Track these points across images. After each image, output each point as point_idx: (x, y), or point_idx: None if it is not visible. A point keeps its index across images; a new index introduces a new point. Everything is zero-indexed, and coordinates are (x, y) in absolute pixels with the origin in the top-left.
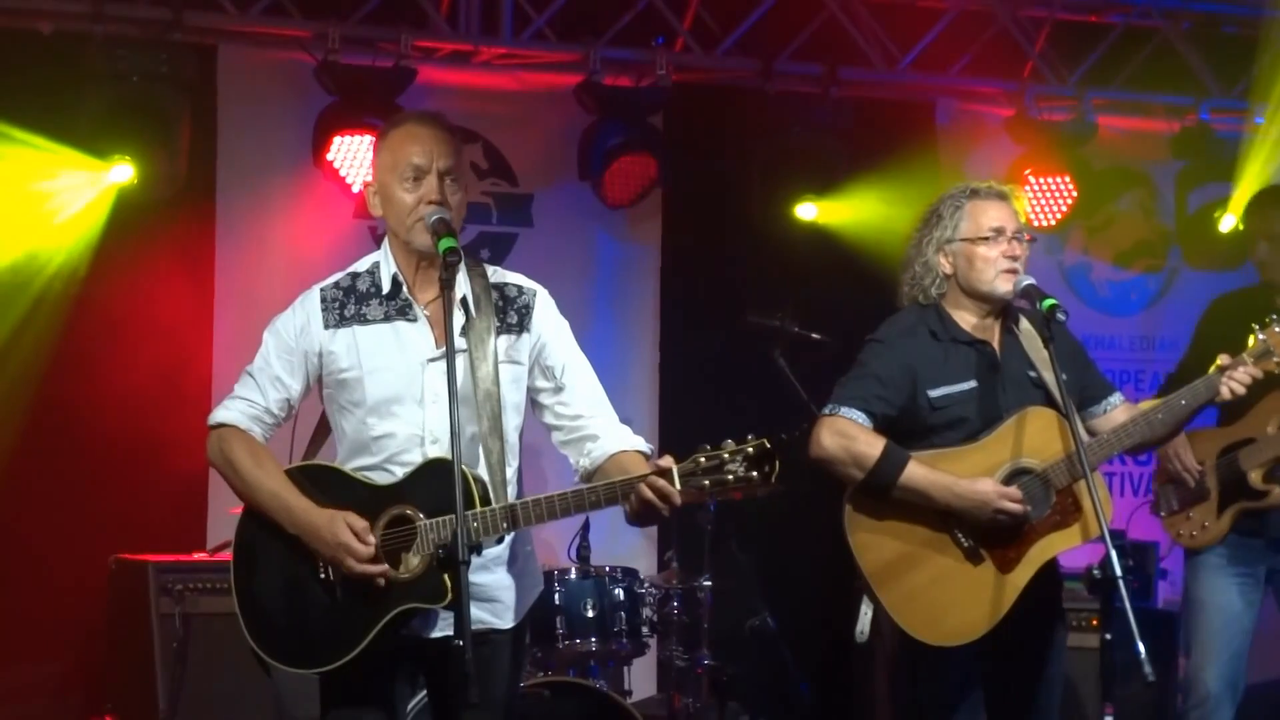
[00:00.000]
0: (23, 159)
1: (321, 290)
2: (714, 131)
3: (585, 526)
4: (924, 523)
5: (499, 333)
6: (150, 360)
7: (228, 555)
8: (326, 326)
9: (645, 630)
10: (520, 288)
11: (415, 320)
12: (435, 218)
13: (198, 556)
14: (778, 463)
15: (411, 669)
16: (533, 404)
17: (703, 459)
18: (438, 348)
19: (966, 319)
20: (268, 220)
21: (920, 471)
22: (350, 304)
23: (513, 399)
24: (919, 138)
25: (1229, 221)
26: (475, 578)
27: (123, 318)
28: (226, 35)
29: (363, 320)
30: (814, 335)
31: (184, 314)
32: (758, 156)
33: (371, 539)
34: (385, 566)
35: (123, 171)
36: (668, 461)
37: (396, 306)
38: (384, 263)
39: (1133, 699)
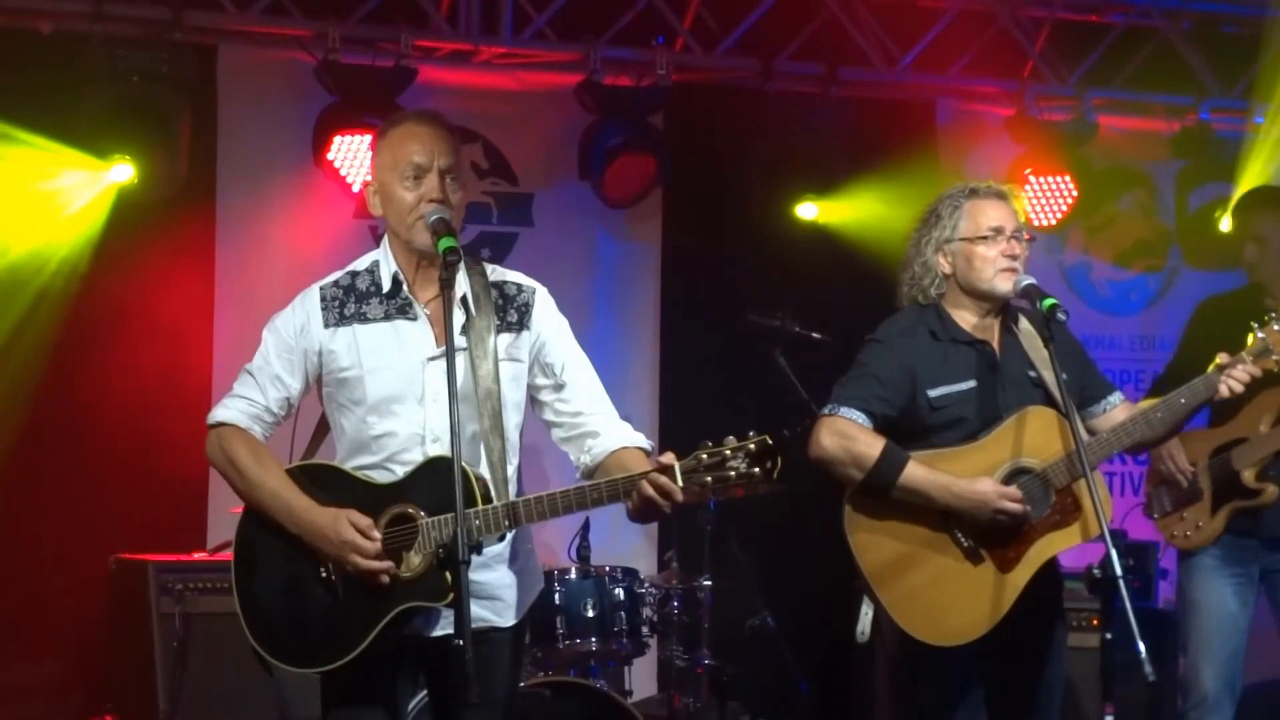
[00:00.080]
0: (23, 159)
1: (321, 289)
2: (714, 131)
3: (585, 526)
4: (924, 523)
5: (499, 331)
6: (150, 360)
7: (228, 555)
8: (326, 325)
9: (645, 630)
10: (520, 286)
11: (415, 319)
12: (435, 217)
13: (198, 556)
14: (780, 459)
15: (412, 668)
16: (533, 401)
17: (704, 456)
18: (438, 346)
19: (966, 319)
20: (268, 220)
21: (919, 472)
22: (350, 302)
23: (513, 397)
24: (919, 137)
25: (1229, 222)
26: (476, 576)
27: (123, 317)
28: (226, 35)
29: (363, 319)
30: (814, 335)
31: (184, 314)
32: (758, 156)
33: (376, 535)
34: (390, 564)
35: (123, 171)
36: (669, 458)
37: (397, 305)
38: (384, 261)
39: (1133, 699)
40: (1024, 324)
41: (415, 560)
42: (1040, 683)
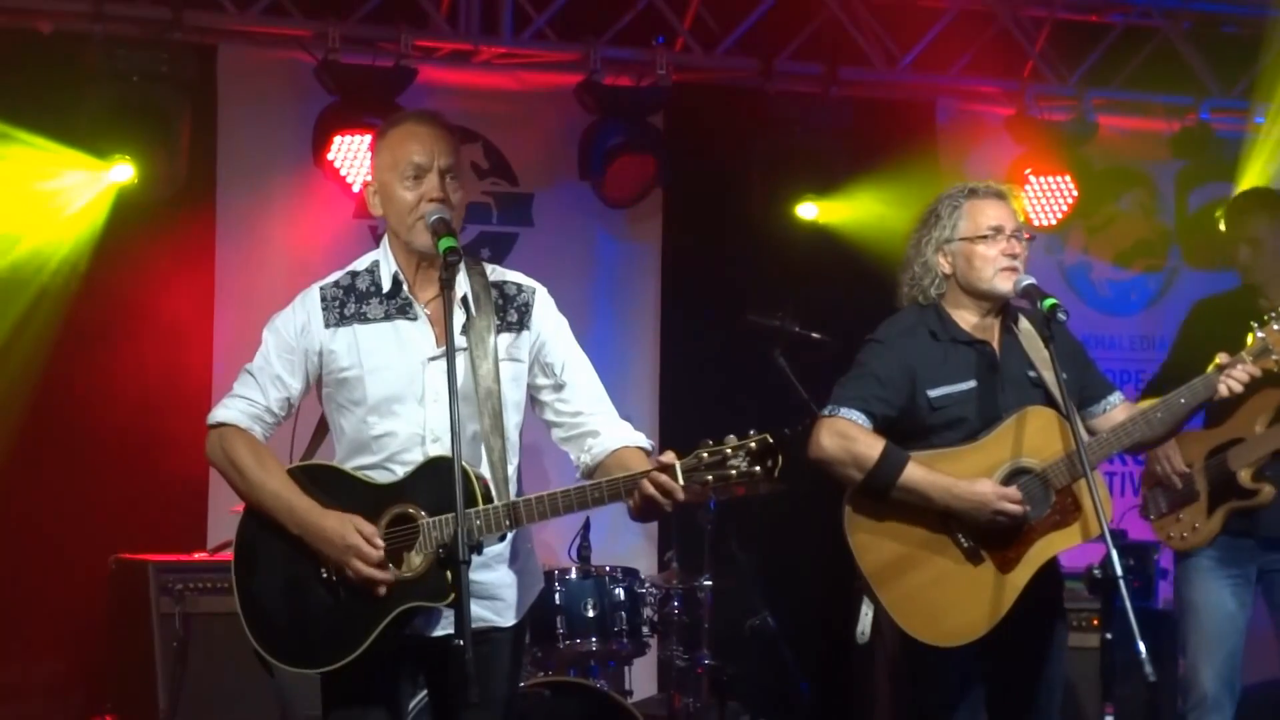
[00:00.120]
0: (23, 159)
1: (321, 289)
2: (714, 131)
3: (585, 526)
4: (924, 523)
5: (499, 331)
6: (150, 360)
7: (228, 555)
8: (327, 325)
9: (645, 630)
10: (519, 286)
11: (416, 319)
12: (435, 217)
13: (198, 556)
14: (780, 458)
15: (413, 668)
16: (533, 401)
17: (705, 454)
18: (438, 346)
19: (966, 319)
20: (268, 220)
21: (919, 472)
22: (350, 302)
23: (513, 397)
24: (919, 137)
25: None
26: (477, 576)
27: (123, 318)
28: (226, 35)
29: (363, 319)
30: (814, 335)
31: (184, 314)
32: (758, 156)
33: (380, 543)
34: (389, 575)
35: (123, 171)
36: (670, 457)
37: (397, 305)
38: (384, 261)
39: (1133, 699)
40: (1024, 324)
41: (416, 560)
42: (1040, 683)
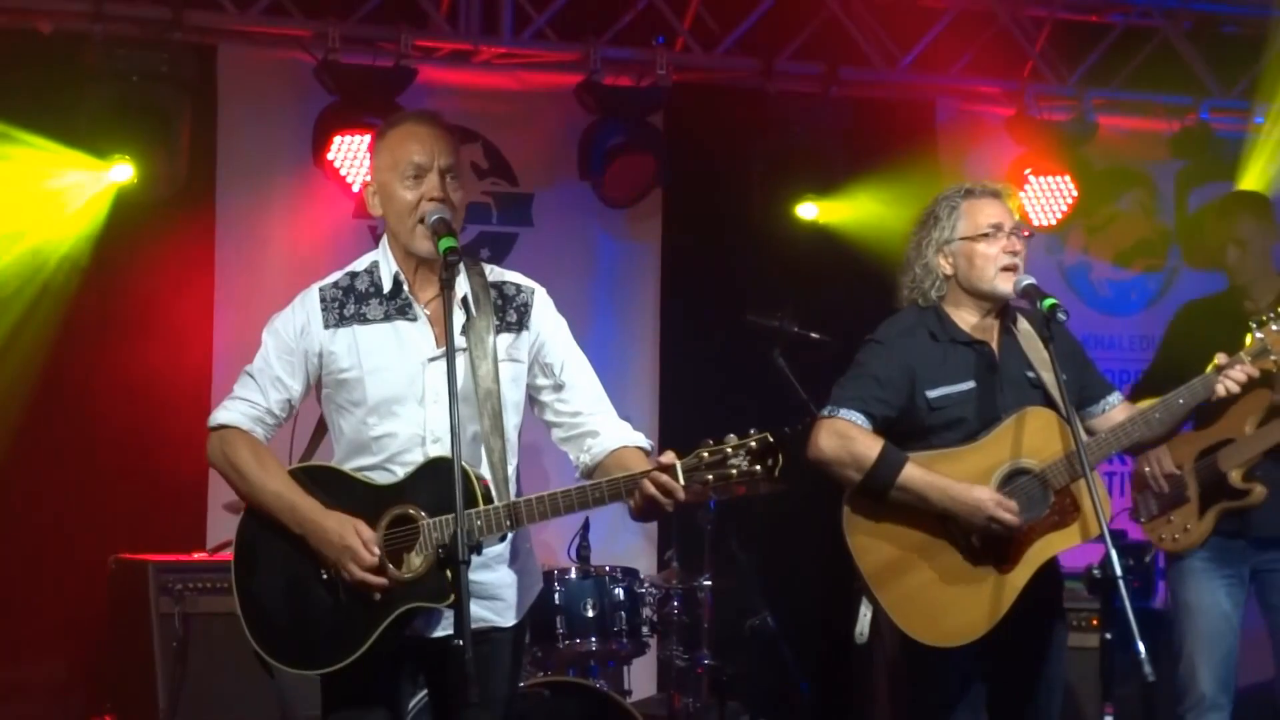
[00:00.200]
0: (23, 158)
1: (321, 290)
2: (714, 131)
3: (585, 526)
4: (923, 524)
5: (498, 331)
6: (150, 360)
7: (228, 555)
8: (326, 326)
9: (645, 630)
10: (519, 286)
11: (415, 320)
12: (435, 218)
13: (198, 556)
14: (781, 457)
15: (413, 668)
16: (532, 402)
17: (706, 454)
18: (438, 347)
19: (966, 319)
20: (268, 220)
21: (917, 474)
22: (350, 303)
23: (513, 397)
24: (919, 137)
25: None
26: (477, 576)
27: (123, 318)
28: (226, 35)
29: (363, 320)
30: (814, 335)
31: (184, 314)
32: (758, 156)
33: (377, 550)
34: (384, 581)
35: (123, 171)
36: (670, 457)
37: (397, 306)
38: (383, 262)
39: (1133, 699)
40: (1023, 325)
41: (416, 561)
42: (1040, 683)
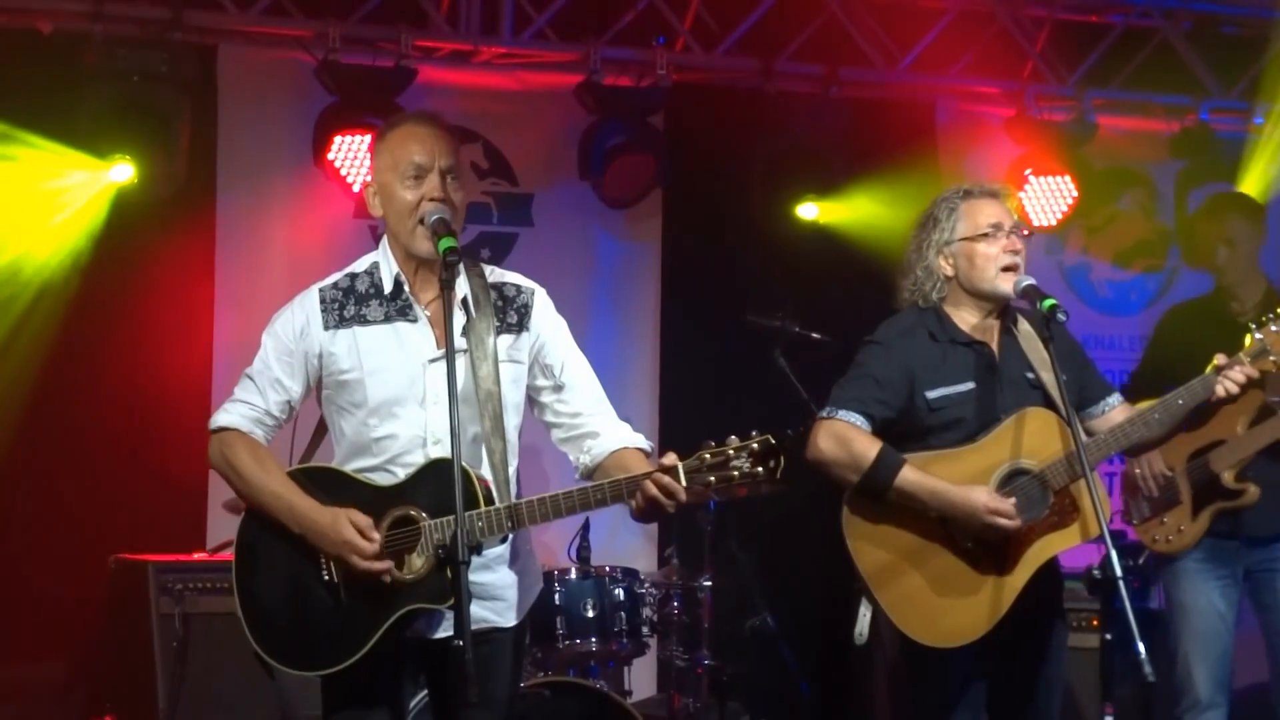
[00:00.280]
0: (22, 158)
1: (320, 291)
2: (714, 131)
3: (585, 526)
4: (922, 524)
5: (499, 332)
6: (150, 360)
7: (228, 555)
8: (326, 328)
9: (645, 630)
10: (519, 287)
11: (416, 321)
12: (435, 218)
13: (198, 556)
14: (783, 459)
15: (414, 668)
16: (532, 403)
17: (708, 455)
18: (438, 348)
19: (966, 320)
20: (268, 220)
21: (914, 477)
22: (350, 305)
23: (513, 398)
24: (919, 138)
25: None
26: (479, 577)
27: (122, 317)
28: (226, 35)
29: (363, 321)
30: (814, 335)
31: (184, 314)
32: (758, 156)
33: (375, 535)
34: (390, 564)
35: (123, 171)
36: (672, 459)
37: (397, 307)
38: (384, 263)
39: (1132, 699)
40: (1023, 325)
41: (417, 563)
42: (1039, 683)
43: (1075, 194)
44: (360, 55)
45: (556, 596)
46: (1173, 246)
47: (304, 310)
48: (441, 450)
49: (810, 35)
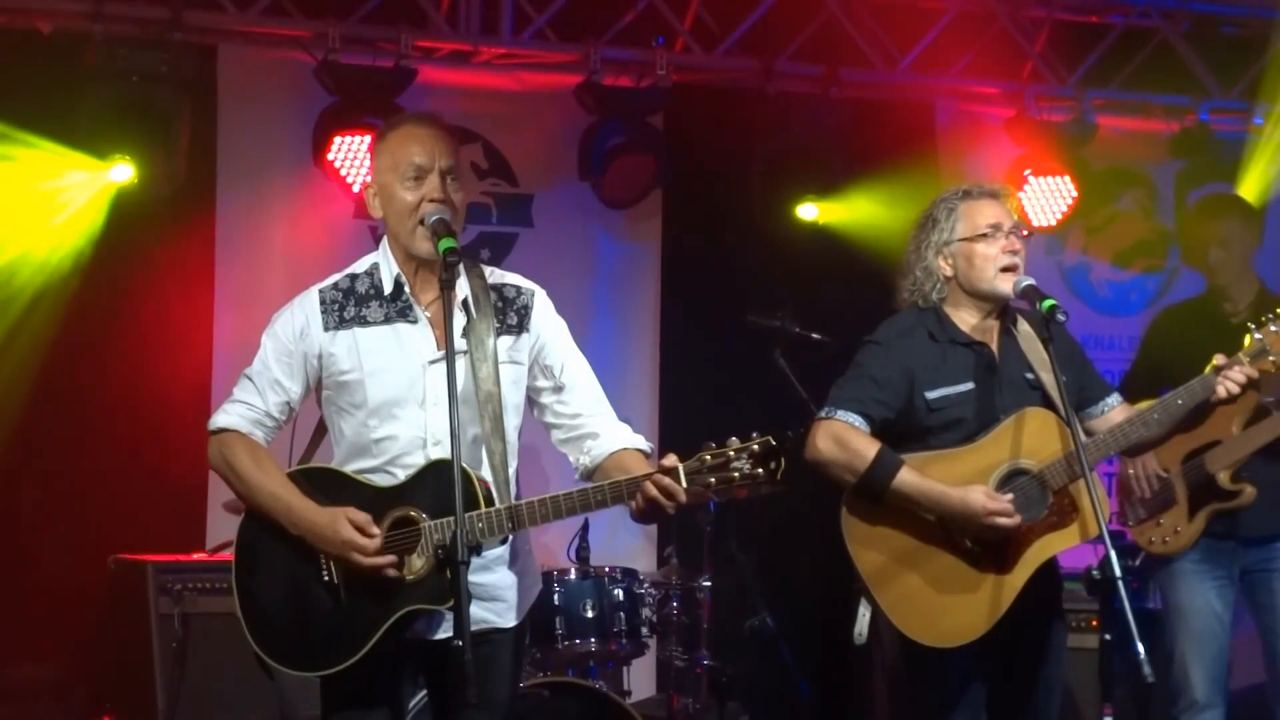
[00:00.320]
0: (22, 158)
1: (320, 291)
2: (714, 131)
3: (584, 527)
4: (921, 524)
5: (499, 333)
6: (150, 360)
7: (227, 555)
8: (326, 329)
9: (644, 630)
10: (519, 288)
11: (416, 322)
12: (435, 218)
13: (197, 556)
14: (783, 460)
15: (413, 669)
16: (531, 404)
17: (708, 457)
18: (439, 350)
19: (966, 320)
20: (268, 220)
21: (911, 479)
22: (350, 306)
23: (513, 399)
24: (919, 138)
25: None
26: (479, 578)
27: (122, 318)
28: (226, 35)
29: (363, 322)
30: (814, 335)
31: (183, 314)
32: (758, 156)
33: (375, 531)
34: (392, 558)
35: (122, 171)
36: (672, 460)
37: (397, 308)
38: (384, 264)
39: (1131, 699)
40: (1023, 326)
41: (418, 564)
42: (1039, 683)
43: (1075, 194)
44: (360, 55)
45: (556, 597)
46: (1172, 247)
47: (304, 311)
48: (441, 451)
49: (810, 35)
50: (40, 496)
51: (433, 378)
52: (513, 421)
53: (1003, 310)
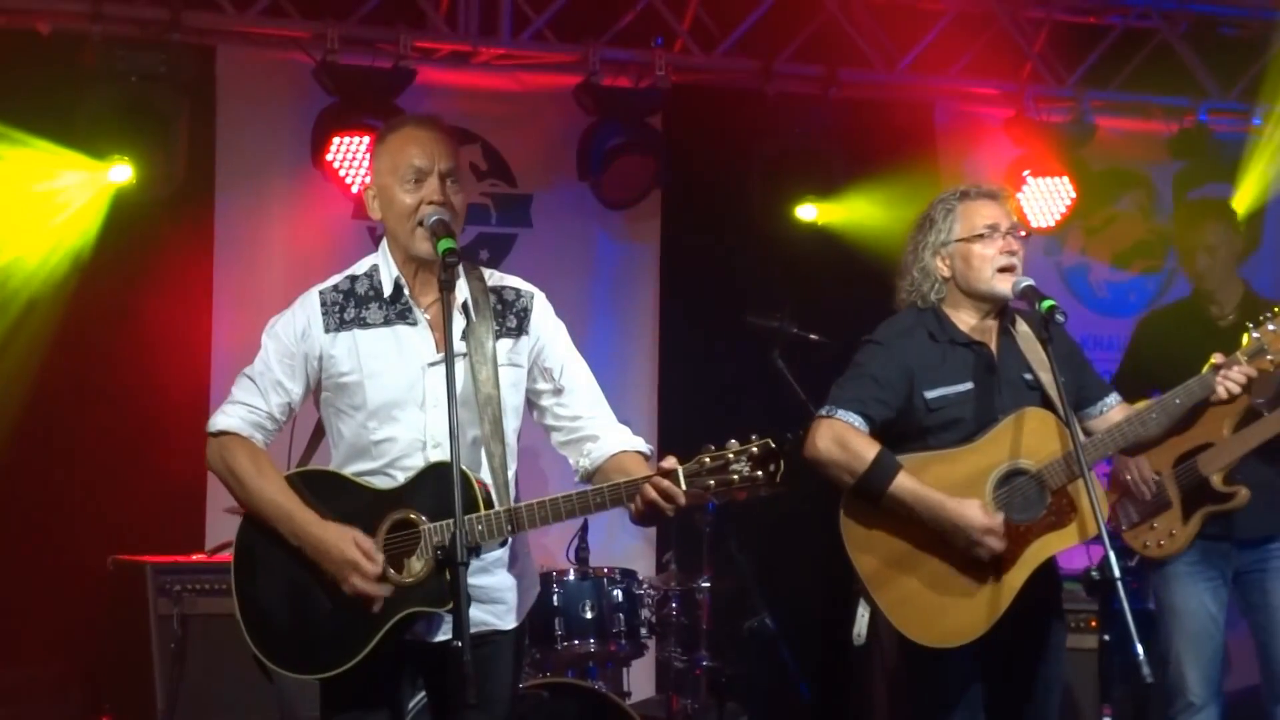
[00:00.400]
0: (22, 159)
1: (321, 293)
2: (714, 132)
3: (584, 528)
4: (919, 525)
5: (498, 336)
6: (149, 360)
7: (226, 556)
8: (327, 330)
9: (644, 631)
10: (518, 291)
11: (415, 324)
12: (434, 219)
13: (196, 557)
14: (783, 462)
15: (412, 670)
16: (531, 406)
17: (708, 459)
18: (438, 351)
19: (965, 320)
20: (267, 220)
21: (909, 485)
22: (350, 307)
23: (512, 402)
24: (918, 139)
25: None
26: (478, 580)
27: (121, 317)
28: (226, 35)
29: (363, 324)
30: (813, 336)
31: (183, 314)
32: (757, 157)
33: (379, 557)
34: (388, 590)
35: (121, 171)
36: (672, 462)
37: (397, 310)
38: (384, 265)
39: (1130, 700)
40: (1022, 326)
41: (417, 566)
42: (1038, 683)
43: (1074, 195)
44: (359, 56)
45: (555, 598)
46: (1171, 248)
47: (305, 312)
48: (441, 453)
49: (809, 36)
50: (39, 497)
51: (432, 380)
52: (512, 424)
53: (1001, 311)
